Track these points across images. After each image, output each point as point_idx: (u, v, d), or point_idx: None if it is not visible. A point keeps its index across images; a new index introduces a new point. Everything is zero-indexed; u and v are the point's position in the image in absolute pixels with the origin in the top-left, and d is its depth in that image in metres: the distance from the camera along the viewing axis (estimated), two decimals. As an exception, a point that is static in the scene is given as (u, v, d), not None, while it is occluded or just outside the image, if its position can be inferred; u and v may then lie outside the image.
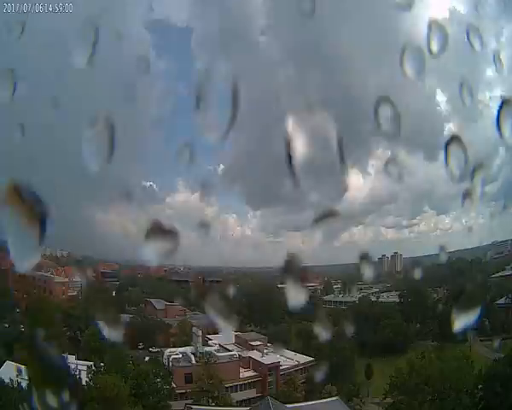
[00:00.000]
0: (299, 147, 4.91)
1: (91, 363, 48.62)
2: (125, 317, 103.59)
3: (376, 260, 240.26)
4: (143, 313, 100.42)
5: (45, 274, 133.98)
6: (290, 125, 4.95)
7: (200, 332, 69.49)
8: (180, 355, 64.14)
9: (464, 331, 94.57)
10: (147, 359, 56.79)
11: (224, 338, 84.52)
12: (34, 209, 4.19)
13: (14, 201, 4.18)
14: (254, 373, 64.58)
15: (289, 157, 4.87)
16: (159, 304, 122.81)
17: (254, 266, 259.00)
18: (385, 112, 7.23)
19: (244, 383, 62.44)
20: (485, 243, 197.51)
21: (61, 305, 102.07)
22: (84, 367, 49.79)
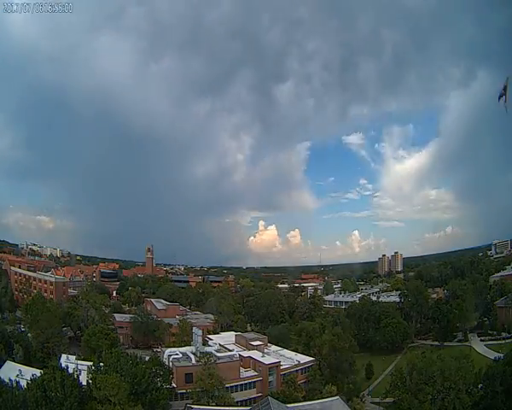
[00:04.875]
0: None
1: (91, 363, 48.63)
2: (126, 316, 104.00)
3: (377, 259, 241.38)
4: (144, 312, 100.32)
5: (46, 274, 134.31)
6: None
7: (200, 332, 69.39)
8: (180, 355, 64.03)
9: (464, 331, 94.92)
10: (147, 358, 56.60)
11: (225, 338, 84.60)
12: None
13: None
14: (255, 373, 64.53)
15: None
16: (159, 304, 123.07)
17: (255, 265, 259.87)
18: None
19: (244, 383, 62.37)
20: (485, 243, 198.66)
21: (61, 305, 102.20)
22: (85, 367, 49.78)
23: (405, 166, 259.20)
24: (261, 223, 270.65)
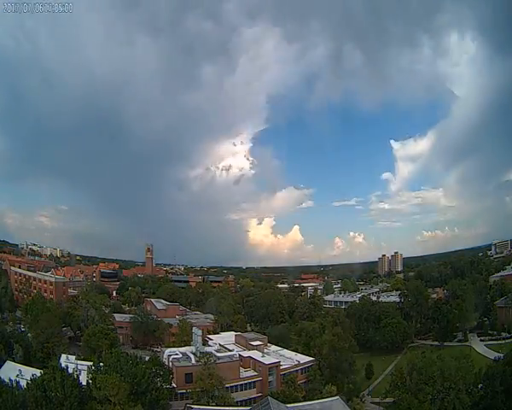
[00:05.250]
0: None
1: (91, 363, 48.65)
2: (126, 316, 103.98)
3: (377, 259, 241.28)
4: (144, 312, 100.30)
5: (46, 274, 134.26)
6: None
7: (200, 332, 69.39)
8: (180, 355, 64.05)
9: (464, 331, 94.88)
10: (147, 358, 56.60)
11: (225, 338, 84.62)
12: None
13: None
14: (255, 373, 64.57)
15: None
16: (159, 304, 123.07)
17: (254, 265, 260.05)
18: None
19: (244, 383, 62.41)
20: (485, 243, 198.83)
21: (61, 305, 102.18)
22: (85, 367, 49.78)
23: (405, 165, 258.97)
24: (261, 223, 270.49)
